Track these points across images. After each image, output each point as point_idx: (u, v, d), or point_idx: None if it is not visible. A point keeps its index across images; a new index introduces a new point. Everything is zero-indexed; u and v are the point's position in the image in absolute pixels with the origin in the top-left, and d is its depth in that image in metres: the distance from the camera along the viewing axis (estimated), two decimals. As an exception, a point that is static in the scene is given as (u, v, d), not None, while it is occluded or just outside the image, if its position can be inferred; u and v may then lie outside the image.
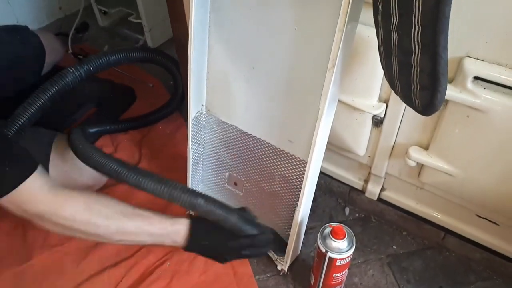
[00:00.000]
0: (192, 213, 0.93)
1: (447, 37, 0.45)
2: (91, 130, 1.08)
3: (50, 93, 0.87)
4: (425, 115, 0.54)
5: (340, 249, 0.73)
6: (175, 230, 0.70)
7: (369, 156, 0.87)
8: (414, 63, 0.49)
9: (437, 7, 0.42)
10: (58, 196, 0.64)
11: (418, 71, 0.49)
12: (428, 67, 0.47)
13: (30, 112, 0.86)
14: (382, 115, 0.77)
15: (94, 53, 1.42)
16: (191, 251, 0.73)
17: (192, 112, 0.86)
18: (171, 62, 1.16)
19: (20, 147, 0.67)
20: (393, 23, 0.49)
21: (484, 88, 0.63)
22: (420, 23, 0.45)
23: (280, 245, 0.87)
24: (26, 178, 0.61)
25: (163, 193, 0.67)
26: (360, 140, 0.83)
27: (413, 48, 0.48)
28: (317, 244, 0.75)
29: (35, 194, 0.62)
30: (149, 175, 0.69)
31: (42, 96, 0.87)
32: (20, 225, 0.97)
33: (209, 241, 0.71)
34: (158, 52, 1.14)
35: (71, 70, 0.90)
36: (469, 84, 0.63)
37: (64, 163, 0.92)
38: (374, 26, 0.54)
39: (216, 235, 0.71)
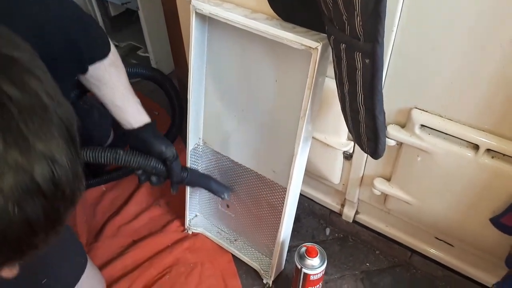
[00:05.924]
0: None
1: (382, 103, 0.59)
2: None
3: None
4: (374, 159, 0.67)
5: (313, 265, 0.86)
6: None
7: (343, 184, 1.00)
8: (361, 120, 0.63)
9: (372, 83, 0.56)
10: None
11: (364, 126, 0.63)
12: (370, 124, 0.61)
13: None
14: (351, 151, 0.90)
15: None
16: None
17: (190, 144, 1.00)
18: (172, 89, 1.29)
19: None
20: (345, 88, 0.63)
21: (429, 134, 0.76)
22: (362, 92, 0.59)
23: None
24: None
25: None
26: (334, 171, 0.96)
27: (359, 109, 0.61)
28: (294, 262, 0.88)
29: None
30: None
31: None
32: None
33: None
34: (163, 75, 1.24)
35: None
36: (417, 130, 0.76)
37: None
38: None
39: None
